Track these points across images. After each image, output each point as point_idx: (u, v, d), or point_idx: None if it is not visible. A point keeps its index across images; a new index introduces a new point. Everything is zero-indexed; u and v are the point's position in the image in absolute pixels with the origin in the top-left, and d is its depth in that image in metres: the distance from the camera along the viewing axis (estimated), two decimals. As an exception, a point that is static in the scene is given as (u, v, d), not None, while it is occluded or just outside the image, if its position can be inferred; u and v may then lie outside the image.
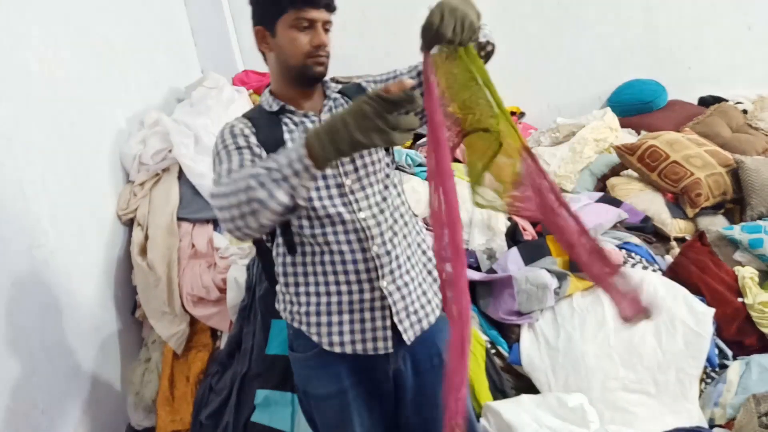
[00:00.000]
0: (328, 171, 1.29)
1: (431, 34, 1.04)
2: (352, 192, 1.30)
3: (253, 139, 1.27)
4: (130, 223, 2.39)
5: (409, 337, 1.34)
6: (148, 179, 2.42)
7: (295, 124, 1.32)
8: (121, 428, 2.29)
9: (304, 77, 1.31)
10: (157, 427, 2.18)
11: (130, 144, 2.47)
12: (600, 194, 2.72)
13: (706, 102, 3.46)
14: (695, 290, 2.13)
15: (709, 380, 2.02)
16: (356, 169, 1.32)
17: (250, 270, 2.12)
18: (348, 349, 1.33)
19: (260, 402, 1.96)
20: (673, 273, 2.24)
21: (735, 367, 1.99)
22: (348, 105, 1.09)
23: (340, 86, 1.43)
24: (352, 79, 1.56)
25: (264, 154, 1.25)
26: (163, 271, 2.21)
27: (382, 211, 1.33)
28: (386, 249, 1.31)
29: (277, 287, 1.43)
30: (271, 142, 1.28)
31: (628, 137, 3.19)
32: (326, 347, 1.34)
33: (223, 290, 2.16)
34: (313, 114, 1.34)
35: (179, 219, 2.32)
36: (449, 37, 1.04)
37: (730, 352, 2.08)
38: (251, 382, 2.00)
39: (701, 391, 1.99)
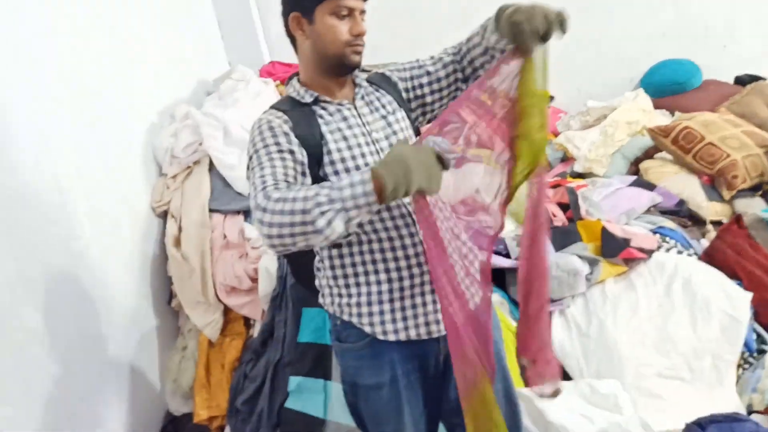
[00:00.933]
0: (369, 158, 1.29)
1: (522, 37, 1.13)
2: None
3: (293, 138, 1.24)
4: (163, 215, 2.44)
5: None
6: (180, 172, 2.47)
7: (331, 114, 1.31)
8: (159, 415, 2.36)
9: (341, 66, 1.29)
10: (194, 413, 2.24)
11: (161, 137, 2.52)
12: (633, 178, 2.67)
13: (743, 81, 3.35)
14: (732, 274, 2.09)
15: (746, 366, 1.98)
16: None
17: (280, 260, 2.15)
18: (402, 336, 1.32)
19: (293, 389, 2.00)
20: (709, 257, 2.19)
21: (774, 353, 1.95)
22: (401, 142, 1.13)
23: (365, 74, 1.43)
24: (375, 68, 1.55)
25: (304, 154, 1.24)
26: (196, 261, 2.26)
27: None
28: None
29: (319, 282, 1.42)
30: (310, 136, 1.26)
31: (661, 119, 3.12)
32: (380, 336, 1.33)
33: (254, 280, 2.20)
34: (347, 102, 1.34)
35: (211, 210, 2.36)
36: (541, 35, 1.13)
37: (768, 337, 2.03)
38: (284, 370, 2.04)
39: (738, 377, 1.95)
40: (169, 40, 2.85)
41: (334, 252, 1.33)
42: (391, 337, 1.32)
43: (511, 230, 2.20)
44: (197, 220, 2.33)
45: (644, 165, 2.80)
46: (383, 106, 1.37)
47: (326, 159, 1.27)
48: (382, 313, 1.32)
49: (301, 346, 2.02)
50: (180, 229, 2.35)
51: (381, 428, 1.41)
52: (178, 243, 2.33)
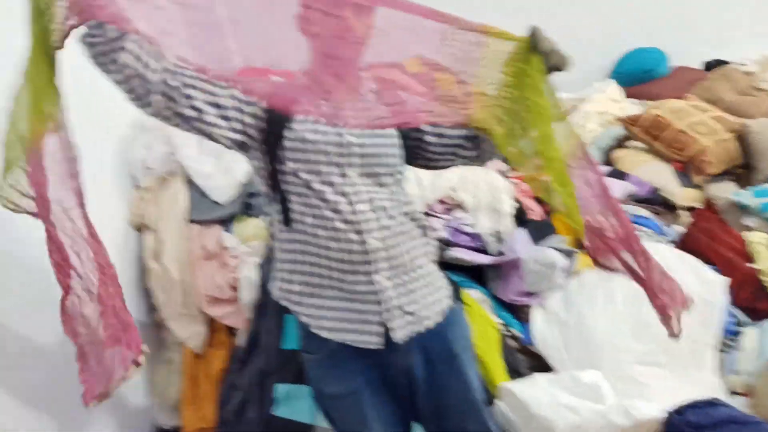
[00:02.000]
0: (334, 158, 1.29)
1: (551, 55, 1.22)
2: (354, 184, 1.30)
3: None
4: (141, 229, 2.42)
5: (398, 337, 1.33)
6: (156, 183, 2.45)
7: None
8: (148, 429, 2.34)
9: None
10: (183, 426, 2.24)
11: (134, 149, 2.49)
12: (606, 168, 2.70)
13: (711, 66, 3.42)
14: (706, 259, 2.13)
15: (725, 349, 2.02)
16: (363, 165, 1.32)
17: (261, 267, 2.15)
18: (335, 337, 1.34)
19: (280, 396, 2.00)
20: (683, 244, 2.24)
21: (750, 334, 2.00)
22: None
23: None
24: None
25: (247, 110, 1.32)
26: (176, 273, 2.24)
27: (383, 208, 1.32)
28: (385, 244, 1.31)
29: (275, 263, 1.44)
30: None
31: (633, 108, 3.16)
32: (315, 330, 1.35)
33: (236, 289, 2.19)
34: None
35: (190, 221, 2.35)
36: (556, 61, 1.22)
37: (745, 319, 2.08)
38: (270, 378, 2.04)
39: (720, 361, 2.00)
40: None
41: (285, 235, 1.35)
42: (324, 334, 1.34)
43: (488, 227, 2.22)
44: (175, 231, 2.32)
45: (617, 154, 2.85)
46: None
47: (289, 134, 1.30)
48: (320, 307, 1.34)
49: (286, 353, 2.02)
50: (158, 241, 2.34)
51: None
52: (157, 256, 2.32)
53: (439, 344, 1.40)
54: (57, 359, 1.90)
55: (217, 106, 1.27)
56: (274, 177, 1.33)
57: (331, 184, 1.29)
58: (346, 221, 1.29)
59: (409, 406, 1.47)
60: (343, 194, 1.29)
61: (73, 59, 2.29)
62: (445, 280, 1.48)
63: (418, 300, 1.37)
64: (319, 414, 1.92)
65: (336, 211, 1.29)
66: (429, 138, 1.42)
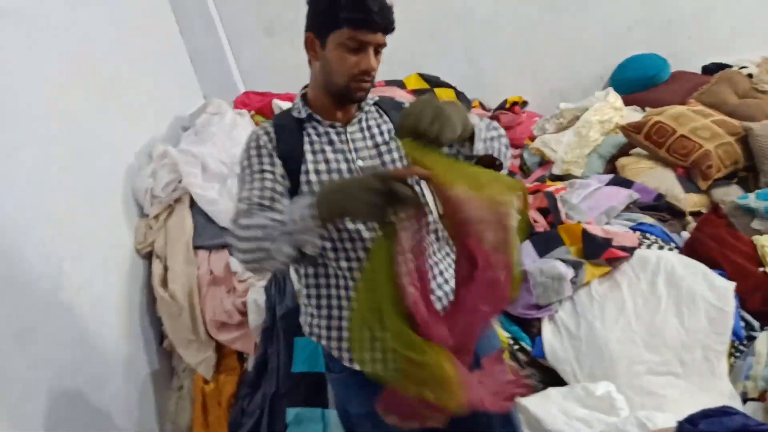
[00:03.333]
0: None
1: (407, 124, 1.09)
2: None
3: (276, 159, 1.28)
4: (148, 256, 2.44)
5: None
6: (162, 211, 2.47)
7: (318, 134, 1.32)
8: (160, 457, 2.34)
9: (343, 98, 1.29)
10: (196, 452, 2.23)
11: (140, 178, 2.52)
12: (610, 176, 2.70)
13: (711, 70, 3.41)
14: (714, 265, 2.11)
15: (738, 354, 2.00)
16: None
17: (268, 291, 2.16)
18: (357, 366, 1.31)
19: (291, 420, 2.00)
20: (690, 249, 2.22)
21: (763, 339, 1.97)
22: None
23: (376, 98, 1.42)
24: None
25: (283, 172, 1.28)
26: (185, 300, 2.26)
27: None
28: None
29: (300, 299, 1.43)
30: (291, 153, 1.29)
31: (634, 115, 3.16)
32: (346, 363, 1.34)
33: (244, 313, 2.20)
34: (339, 125, 1.33)
35: (195, 247, 2.37)
36: (422, 130, 1.08)
37: (756, 324, 2.05)
38: (281, 401, 2.04)
39: (731, 366, 1.97)
40: (143, 79, 2.86)
41: (311, 270, 1.35)
42: (356, 367, 1.32)
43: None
44: (182, 258, 2.34)
45: (620, 162, 2.84)
46: (380, 134, 1.35)
47: (303, 177, 1.28)
48: (342, 339, 1.33)
49: (296, 377, 2.02)
50: (166, 268, 2.35)
51: None
52: (164, 283, 2.33)
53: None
54: (69, 386, 1.92)
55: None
56: None
57: None
58: (366, 249, 1.27)
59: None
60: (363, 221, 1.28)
61: (89, 89, 2.35)
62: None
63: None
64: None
65: (357, 239, 1.27)
66: None
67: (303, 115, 1.33)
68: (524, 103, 3.64)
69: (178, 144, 2.72)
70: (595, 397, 1.79)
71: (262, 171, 1.27)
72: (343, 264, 1.30)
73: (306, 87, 1.38)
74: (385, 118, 1.38)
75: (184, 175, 2.46)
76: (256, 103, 3.14)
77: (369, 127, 1.36)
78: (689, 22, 3.60)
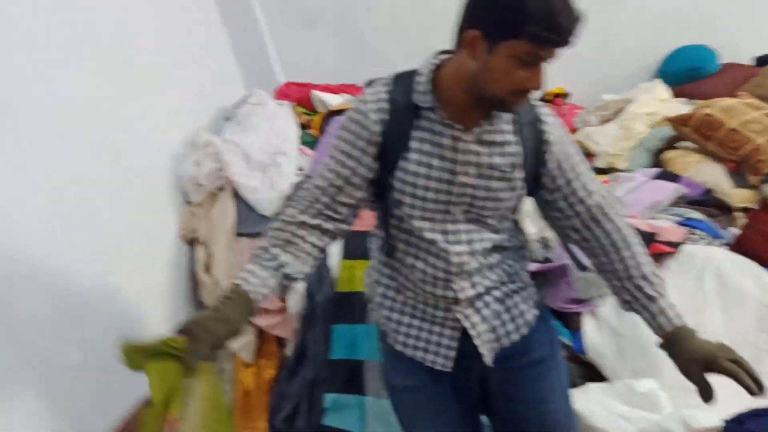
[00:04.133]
0: (442, 197, 1.18)
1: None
2: (456, 222, 1.21)
3: (372, 144, 1.17)
4: (192, 243, 2.50)
5: (489, 359, 1.29)
6: (205, 199, 2.52)
7: (432, 132, 1.16)
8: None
9: (491, 106, 1.13)
10: (236, 435, 2.28)
11: (185, 166, 2.58)
12: (656, 170, 2.63)
13: (763, 61, 3.29)
14: (764, 262, 2.04)
15: (787, 354, 1.94)
16: (472, 205, 1.20)
17: (308, 278, 2.18)
18: (408, 353, 1.33)
19: (329, 406, 2.03)
20: (739, 246, 2.15)
21: (813, 339, 1.90)
22: None
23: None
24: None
25: (373, 162, 1.19)
26: (227, 285, 2.30)
27: (482, 250, 1.24)
28: (472, 282, 1.25)
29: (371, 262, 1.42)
30: (395, 140, 1.16)
31: (681, 108, 3.07)
32: (390, 342, 1.35)
33: (284, 299, 2.23)
34: (459, 129, 1.15)
35: (238, 234, 2.41)
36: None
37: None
38: (319, 387, 2.07)
39: (780, 366, 1.91)
40: (188, 70, 2.92)
41: (382, 259, 1.34)
42: (398, 347, 1.34)
43: (534, 233, 2.20)
44: (225, 244, 2.38)
45: (667, 155, 2.77)
46: (501, 155, 1.18)
47: (399, 174, 1.18)
48: (399, 323, 1.33)
49: (334, 363, 2.05)
50: (209, 254, 2.41)
51: (413, 429, 1.43)
52: (208, 269, 2.38)
53: (519, 351, 1.33)
54: (114, 370, 1.98)
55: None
56: (379, 208, 1.29)
57: (432, 220, 1.21)
58: (438, 256, 1.23)
59: (482, 411, 1.44)
60: (443, 233, 1.22)
61: (131, 79, 2.40)
62: (532, 289, 1.39)
63: (504, 320, 1.31)
64: (371, 419, 1.95)
65: (431, 249, 1.23)
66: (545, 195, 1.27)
67: (425, 104, 1.15)
68: (566, 95, 3.58)
69: (221, 133, 2.77)
70: (638, 393, 1.76)
71: (349, 156, 1.19)
72: (409, 260, 1.28)
73: (440, 56, 1.17)
74: (516, 138, 1.19)
75: (227, 164, 2.50)
76: (296, 94, 3.18)
77: (492, 143, 1.17)
78: (739, 12, 3.47)
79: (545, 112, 1.22)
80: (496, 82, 1.06)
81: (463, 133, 1.15)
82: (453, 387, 1.37)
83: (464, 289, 1.25)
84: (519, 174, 1.20)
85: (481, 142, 1.16)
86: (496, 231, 1.26)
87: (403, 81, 1.18)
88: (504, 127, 1.18)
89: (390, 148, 1.17)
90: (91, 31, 2.21)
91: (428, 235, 1.22)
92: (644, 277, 1.23)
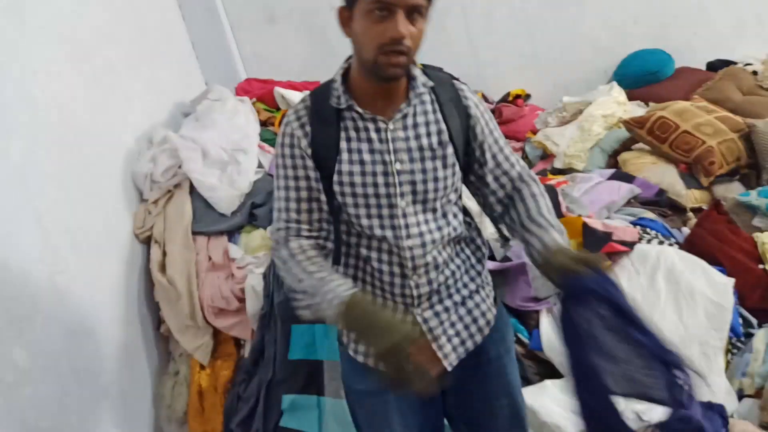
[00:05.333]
0: (382, 189, 1.19)
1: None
2: (405, 215, 1.20)
3: (307, 159, 1.20)
4: (147, 241, 2.43)
5: (451, 362, 1.28)
6: (161, 196, 2.46)
7: (357, 129, 1.19)
8: (155, 442, 2.34)
9: (376, 76, 1.13)
10: (191, 438, 2.23)
11: (140, 163, 2.51)
12: (612, 171, 2.69)
13: (715, 66, 3.39)
14: (714, 261, 2.10)
15: (735, 351, 2.00)
16: (414, 192, 1.20)
17: (266, 278, 2.15)
18: (370, 363, 1.29)
19: (287, 407, 2.00)
20: (690, 245, 2.21)
21: (761, 336, 1.97)
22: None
23: (431, 83, 1.23)
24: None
25: (315, 173, 1.21)
26: (183, 285, 2.25)
27: (433, 242, 1.23)
28: (428, 278, 1.24)
29: None
30: (325, 146, 1.19)
31: (637, 110, 3.15)
32: (351, 353, 1.32)
33: (242, 300, 2.20)
34: (381, 120, 1.18)
35: (194, 233, 2.36)
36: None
37: (754, 321, 2.05)
38: (277, 388, 2.04)
39: (728, 363, 1.97)
40: (144, 65, 2.85)
41: (340, 269, 1.31)
42: (360, 359, 1.31)
43: (493, 232, 2.21)
44: (181, 243, 2.33)
45: (622, 157, 2.83)
46: (428, 135, 1.21)
47: (336, 178, 1.20)
48: None
49: (293, 364, 2.02)
50: (164, 253, 2.35)
51: None
52: (163, 268, 2.32)
53: (476, 350, 1.33)
54: (65, 371, 1.91)
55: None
56: None
57: (380, 217, 1.21)
58: (391, 252, 1.22)
59: (437, 414, 1.43)
60: (392, 228, 1.21)
61: (82, 75, 2.33)
62: (490, 288, 1.39)
63: (466, 323, 1.30)
64: (328, 421, 1.93)
65: (384, 247, 1.22)
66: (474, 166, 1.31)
67: (343, 104, 1.18)
68: (527, 96, 3.62)
69: (179, 130, 2.71)
70: (592, 390, 1.78)
71: (296, 178, 1.21)
72: (361, 263, 1.28)
73: (350, 60, 1.22)
74: (439, 116, 1.22)
75: (184, 160, 2.44)
76: (257, 91, 3.13)
77: (416, 125, 1.20)
78: (694, 18, 3.58)
79: (464, 88, 1.27)
80: (364, 45, 1.10)
81: (386, 123, 1.18)
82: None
83: (420, 285, 1.25)
84: (450, 149, 1.22)
85: (406, 127, 1.20)
86: (445, 216, 1.26)
87: (322, 91, 1.23)
88: (426, 107, 1.22)
89: (322, 156, 1.19)
90: (43, 22, 2.14)
91: (378, 232, 1.21)
92: (541, 215, 1.24)
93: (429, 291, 1.26)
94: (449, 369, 1.28)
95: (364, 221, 1.21)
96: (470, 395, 1.38)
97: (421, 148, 1.20)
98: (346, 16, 1.14)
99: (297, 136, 1.20)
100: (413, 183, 1.20)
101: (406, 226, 1.21)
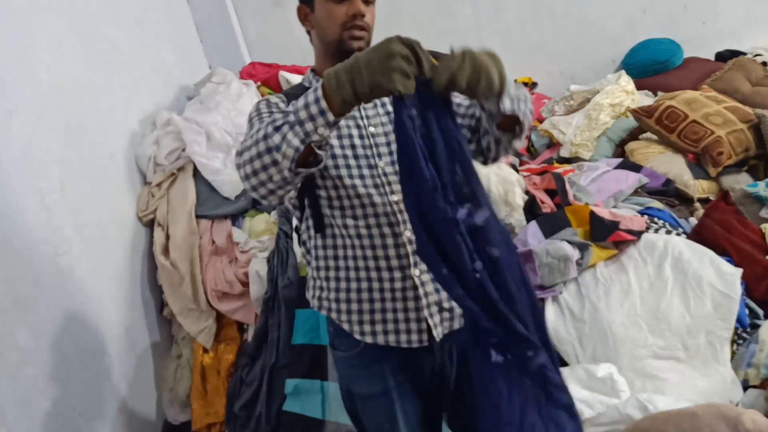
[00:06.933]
0: (360, 151, 1.25)
1: (444, 79, 0.97)
2: (386, 174, 1.25)
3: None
4: (150, 224, 2.42)
5: (438, 333, 1.27)
6: (165, 179, 2.45)
7: None
8: (157, 424, 2.35)
9: (342, 53, 1.20)
10: (193, 421, 2.24)
11: (144, 146, 2.49)
12: (619, 160, 2.67)
13: (724, 57, 3.35)
14: (721, 251, 2.08)
15: (740, 341, 1.99)
16: (391, 152, 1.26)
17: (270, 262, 2.14)
18: (380, 340, 1.27)
19: (290, 391, 2.00)
20: (697, 235, 2.19)
21: (767, 327, 1.96)
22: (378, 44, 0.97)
23: None
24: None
25: None
26: (186, 269, 2.24)
27: None
28: None
29: (308, 272, 1.38)
30: None
31: (645, 99, 3.11)
32: (357, 336, 1.29)
33: (245, 284, 2.19)
34: None
35: (198, 216, 2.35)
36: (462, 87, 0.98)
37: (761, 312, 2.03)
38: (280, 373, 2.04)
39: (733, 353, 1.96)
40: (148, 47, 2.82)
41: (319, 242, 1.30)
42: (368, 339, 1.28)
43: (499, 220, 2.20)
44: (184, 227, 2.32)
45: (630, 146, 2.80)
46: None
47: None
48: (360, 312, 1.28)
49: (296, 348, 2.02)
50: (168, 237, 2.34)
51: None
52: (166, 251, 2.32)
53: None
54: (68, 352, 1.91)
55: None
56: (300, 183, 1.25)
57: (362, 177, 1.24)
58: (377, 215, 1.23)
59: (438, 410, 1.42)
60: (375, 186, 1.24)
61: (87, 57, 2.31)
62: None
63: None
64: (331, 405, 1.93)
65: (368, 205, 1.23)
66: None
67: (314, 84, 1.25)
68: (534, 84, 3.59)
69: (183, 112, 2.69)
70: (597, 378, 1.78)
71: (272, 113, 1.23)
72: (352, 231, 1.26)
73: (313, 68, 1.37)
74: None
75: (188, 143, 2.43)
76: (262, 74, 3.10)
77: None
78: (704, 8, 3.54)
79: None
80: (327, 28, 1.24)
81: None
82: (415, 390, 1.35)
83: (414, 241, 1.18)
84: None
85: None
86: None
87: (296, 85, 1.38)
88: None
89: None
90: (48, 4, 2.11)
91: (362, 190, 1.23)
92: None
93: None
94: (437, 339, 1.28)
95: (347, 180, 1.24)
96: (470, 387, 1.36)
97: (388, 113, 1.30)
98: (305, 13, 1.29)
99: (276, 101, 1.28)
100: (389, 144, 1.27)
101: (389, 183, 1.25)
